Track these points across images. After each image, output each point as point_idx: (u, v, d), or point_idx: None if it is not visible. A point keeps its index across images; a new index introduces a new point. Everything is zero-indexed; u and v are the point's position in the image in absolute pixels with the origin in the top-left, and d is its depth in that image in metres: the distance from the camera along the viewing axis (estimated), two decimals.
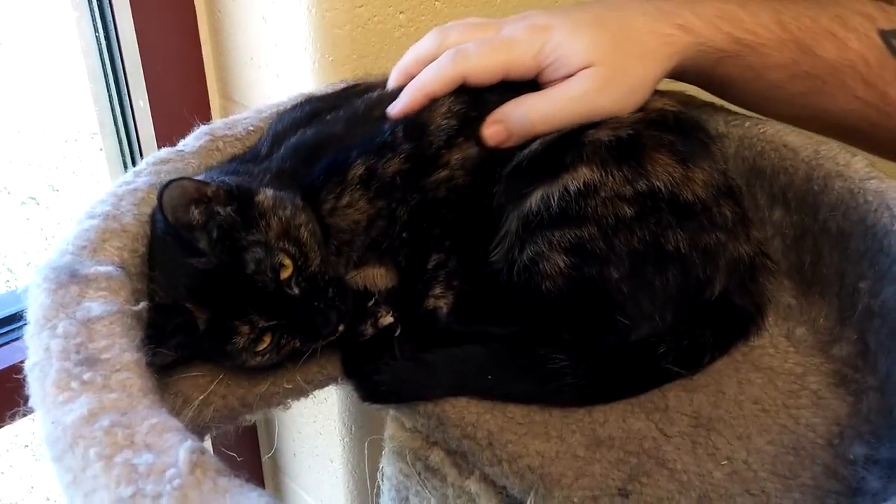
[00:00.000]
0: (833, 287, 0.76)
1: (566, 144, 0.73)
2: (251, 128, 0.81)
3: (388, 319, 0.73)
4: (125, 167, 1.08)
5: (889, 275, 0.68)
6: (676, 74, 0.81)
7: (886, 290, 0.68)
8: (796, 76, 0.81)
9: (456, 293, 0.74)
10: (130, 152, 1.07)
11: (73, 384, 0.48)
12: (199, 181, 0.65)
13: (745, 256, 0.75)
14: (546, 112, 0.75)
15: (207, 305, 0.65)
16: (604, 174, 0.70)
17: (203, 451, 0.45)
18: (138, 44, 0.99)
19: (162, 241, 0.66)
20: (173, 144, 0.78)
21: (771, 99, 0.85)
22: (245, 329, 0.65)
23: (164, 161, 0.74)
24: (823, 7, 0.81)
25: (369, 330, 0.73)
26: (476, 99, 0.76)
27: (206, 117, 0.84)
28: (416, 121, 0.74)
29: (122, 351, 0.52)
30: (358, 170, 0.72)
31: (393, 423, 0.75)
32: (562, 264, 0.70)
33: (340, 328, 0.69)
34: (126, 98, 1.03)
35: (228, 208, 0.65)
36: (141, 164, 0.73)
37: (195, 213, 0.64)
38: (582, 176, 0.70)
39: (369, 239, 0.74)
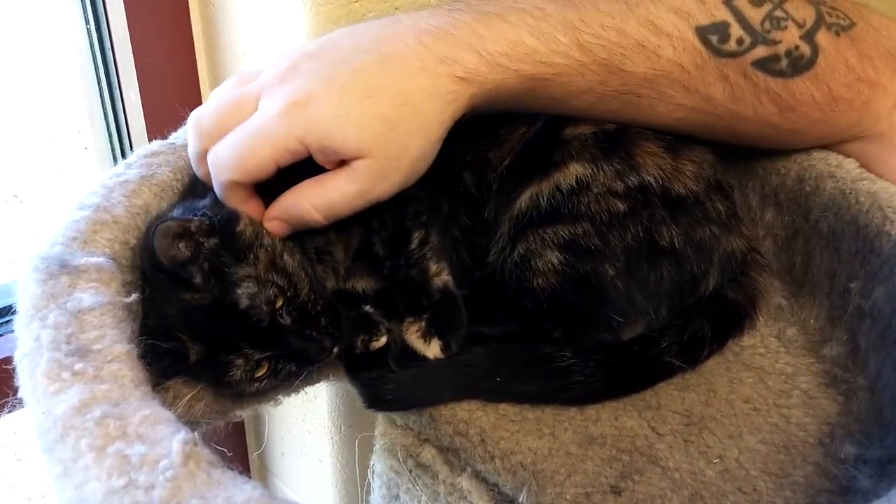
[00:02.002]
0: (824, 288, 0.76)
1: (548, 143, 0.72)
2: None
3: (381, 342, 0.72)
4: (115, 161, 1.07)
5: (880, 275, 0.69)
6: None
7: (877, 291, 0.69)
8: (605, 97, 0.70)
9: (449, 262, 0.72)
10: (121, 146, 1.06)
11: (64, 374, 0.48)
12: (180, 218, 0.64)
13: (737, 251, 0.76)
14: (324, 205, 0.66)
15: (201, 340, 0.64)
16: (595, 169, 0.70)
17: (196, 443, 0.44)
18: (130, 36, 0.98)
19: (154, 274, 0.64)
20: (164, 138, 0.78)
21: (589, 116, 0.74)
22: (240, 362, 0.65)
23: (155, 154, 0.73)
24: (632, 10, 0.69)
25: (359, 346, 0.72)
26: None
27: None
28: None
29: (113, 342, 0.51)
30: None
31: (384, 420, 0.75)
32: (555, 261, 0.70)
33: (335, 350, 0.68)
34: (117, 91, 1.02)
35: (212, 240, 0.65)
36: (132, 157, 0.72)
37: (182, 248, 0.63)
38: (574, 172, 0.70)
39: (351, 248, 0.73)
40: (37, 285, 0.55)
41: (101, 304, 0.54)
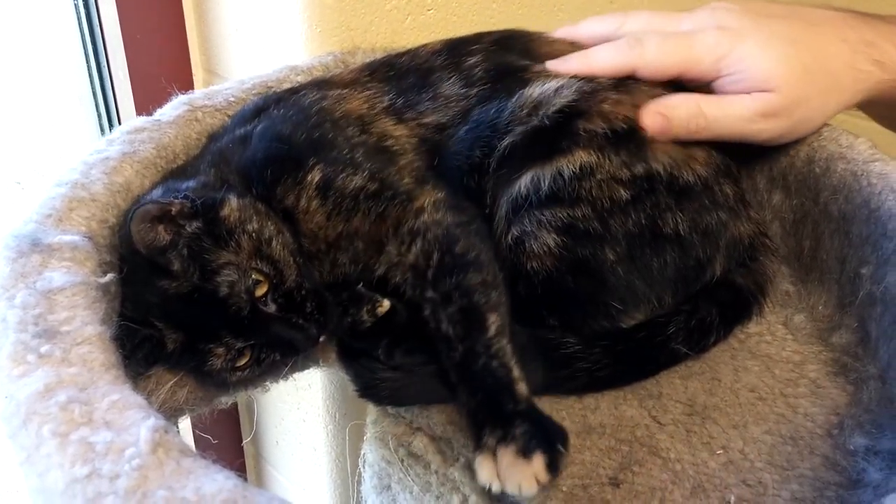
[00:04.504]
0: (833, 273, 0.73)
1: (557, 132, 0.70)
2: (232, 98, 0.78)
3: (385, 306, 0.69)
4: None
5: (893, 260, 0.66)
6: (858, 106, 0.77)
7: (890, 276, 0.66)
8: None
9: None
10: (109, 125, 1.03)
11: (30, 357, 0.45)
12: (160, 201, 0.61)
13: (745, 236, 0.73)
14: (711, 120, 0.71)
15: (179, 328, 0.62)
16: (601, 157, 0.68)
17: (167, 430, 0.42)
18: (118, 13, 0.95)
19: (131, 258, 0.62)
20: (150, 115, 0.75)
21: None
22: (220, 351, 0.63)
23: (138, 130, 0.71)
24: None
25: (366, 317, 0.69)
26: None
27: (188, 90, 0.81)
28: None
29: (83, 324, 0.48)
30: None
31: (376, 407, 0.72)
32: (551, 243, 0.67)
33: (321, 339, 0.66)
34: (105, 69, 0.99)
35: (194, 224, 0.62)
36: (114, 133, 0.70)
37: (162, 232, 0.60)
38: (579, 159, 0.68)
39: (369, 274, 0.70)
40: (6, 263, 0.52)
41: (73, 284, 0.51)
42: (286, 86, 0.83)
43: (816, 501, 0.57)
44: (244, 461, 1.42)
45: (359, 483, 0.80)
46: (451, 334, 0.62)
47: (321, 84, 0.78)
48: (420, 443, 0.67)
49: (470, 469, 0.64)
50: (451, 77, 0.75)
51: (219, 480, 0.39)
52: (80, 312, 0.49)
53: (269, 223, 0.65)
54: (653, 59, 0.73)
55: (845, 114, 0.76)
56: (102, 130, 1.05)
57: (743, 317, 0.73)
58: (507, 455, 0.56)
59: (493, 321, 0.62)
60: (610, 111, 0.70)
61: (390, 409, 0.69)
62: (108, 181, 0.63)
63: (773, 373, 0.69)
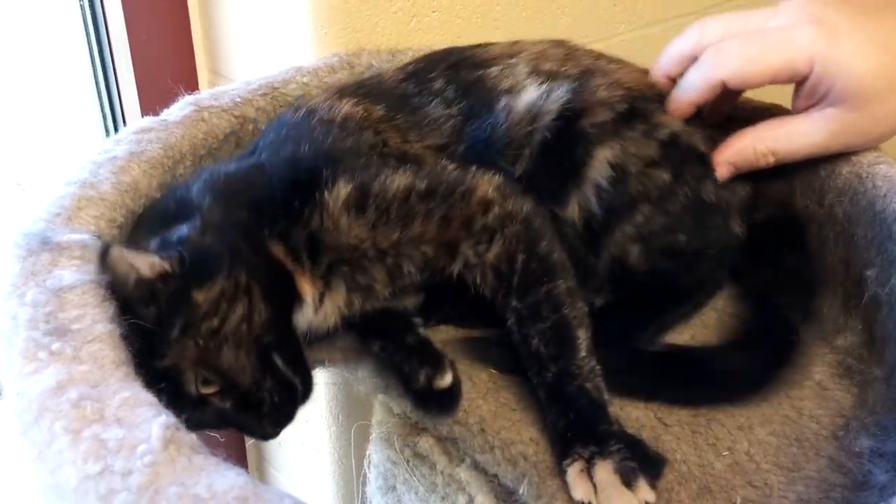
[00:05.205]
0: (838, 275, 0.73)
1: (566, 140, 0.69)
2: (238, 99, 0.78)
3: (447, 380, 0.63)
4: None
5: None
6: None
7: (894, 279, 0.66)
8: None
9: None
10: (115, 126, 1.03)
11: (41, 354, 0.45)
12: (159, 254, 0.55)
13: (749, 193, 0.76)
14: (781, 157, 0.72)
15: (151, 383, 0.53)
16: (622, 142, 0.69)
17: (178, 427, 0.42)
18: (124, 13, 0.96)
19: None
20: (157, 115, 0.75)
21: None
22: (182, 416, 0.59)
23: (146, 130, 0.71)
24: None
25: (422, 384, 0.63)
26: None
27: (193, 91, 0.81)
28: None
29: (94, 322, 0.49)
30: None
31: (381, 408, 0.72)
32: (637, 250, 0.71)
33: (285, 429, 0.61)
34: (111, 69, 0.99)
35: (175, 284, 0.55)
36: (122, 132, 0.70)
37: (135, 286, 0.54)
38: (604, 158, 0.69)
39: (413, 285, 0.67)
40: (16, 262, 0.52)
41: (83, 283, 0.51)
42: (292, 86, 0.83)
43: (822, 503, 0.57)
44: (247, 463, 1.42)
45: (364, 484, 0.80)
46: (543, 354, 0.60)
47: (298, 105, 0.75)
48: (426, 443, 0.68)
49: (476, 469, 0.64)
50: (431, 100, 0.73)
51: (230, 477, 0.39)
52: (90, 310, 0.49)
53: (239, 310, 0.58)
54: (736, 68, 0.68)
55: None
56: (107, 131, 1.05)
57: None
58: (604, 471, 0.55)
59: (584, 338, 0.61)
60: (608, 96, 0.71)
61: (396, 409, 0.70)
62: (116, 180, 0.64)
63: None
